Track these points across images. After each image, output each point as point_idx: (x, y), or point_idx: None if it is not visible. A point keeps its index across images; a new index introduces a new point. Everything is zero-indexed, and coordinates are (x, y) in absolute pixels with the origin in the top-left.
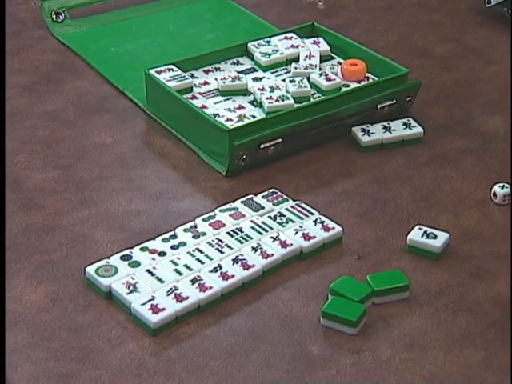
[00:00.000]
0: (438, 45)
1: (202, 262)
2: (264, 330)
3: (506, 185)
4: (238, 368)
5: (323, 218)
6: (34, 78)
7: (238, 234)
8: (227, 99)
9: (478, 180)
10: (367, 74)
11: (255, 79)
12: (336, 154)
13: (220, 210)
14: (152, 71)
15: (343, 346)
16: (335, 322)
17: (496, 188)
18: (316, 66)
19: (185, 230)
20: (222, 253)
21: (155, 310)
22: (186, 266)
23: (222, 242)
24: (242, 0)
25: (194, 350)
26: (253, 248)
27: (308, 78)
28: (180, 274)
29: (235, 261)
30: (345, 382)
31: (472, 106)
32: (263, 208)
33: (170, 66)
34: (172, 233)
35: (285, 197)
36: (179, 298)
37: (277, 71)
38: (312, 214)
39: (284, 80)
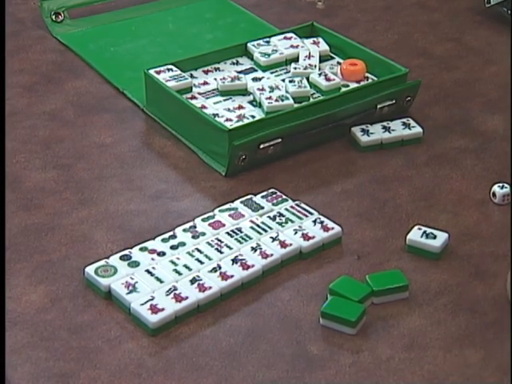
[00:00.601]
0: (438, 45)
1: (202, 262)
2: (263, 330)
3: (506, 185)
4: (238, 368)
5: (323, 218)
6: (34, 78)
7: (237, 234)
8: (227, 99)
9: (478, 180)
10: (367, 74)
11: (255, 79)
12: (335, 154)
13: (219, 210)
14: (151, 71)
15: (342, 346)
16: (334, 321)
17: (495, 188)
18: (315, 66)
19: (184, 230)
20: (221, 253)
21: (154, 310)
22: (186, 266)
23: (222, 242)
24: (242, 0)
25: (194, 349)
26: (252, 248)
27: (307, 78)
28: (179, 274)
29: (235, 261)
30: (344, 382)
31: (472, 106)
32: (263, 208)
33: (170, 66)
34: (171, 233)
35: (284, 197)
36: (178, 298)
37: (276, 71)
38: (311, 214)
39: (283, 80)
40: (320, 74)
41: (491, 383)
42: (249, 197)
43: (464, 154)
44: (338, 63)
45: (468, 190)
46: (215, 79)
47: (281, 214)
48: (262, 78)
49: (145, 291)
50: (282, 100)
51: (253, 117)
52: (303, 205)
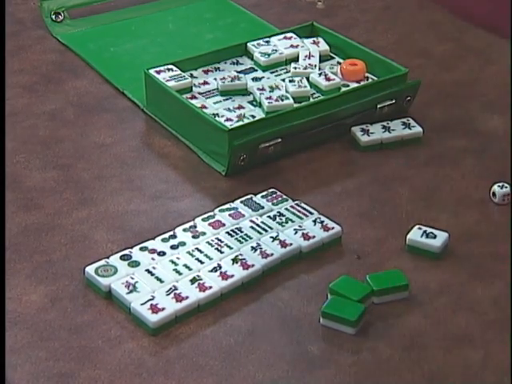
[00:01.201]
0: (438, 45)
1: (202, 262)
2: (263, 330)
3: (506, 184)
4: (238, 368)
5: (323, 218)
6: (34, 78)
7: (237, 233)
8: (227, 99)
9: (478, 180)
10: (367, 74)
11: (255, 79)
12: (335, 154)
13: (219, 210)
14: (151, 71)
15: (343, 346)
16: (335, 321)
17: (495, 188)
18: (315, 65)
19: (184, 230)
20: (221, 252)
21: (155, 309)
22: (186, 266)
23: (222, 241)
24: (242, 0)
25: (194, 349)
26: (252, 248)
27: (307, 78)
28: (179, 273)
29: (235, 260)
30: (345, 382)
31: (472, 106)
32: (263, 208)
33: (170, 66)
34: (171, 233)
35: (284, 196)
36: (179, 298)
37: (276, 71)
38: (311, 213)
39: (283, 80)
40: (320, 74)
41: (491, 383)
42: (249, 196)
43: (464, 154)
44: (338, 63)
45: (468, 189)
46: (215, 79)
47: (281, 214)
48: (262, 77)
49: (145, 291)
50: (282, 100)
51: (253, 117)
52: (303, 204)
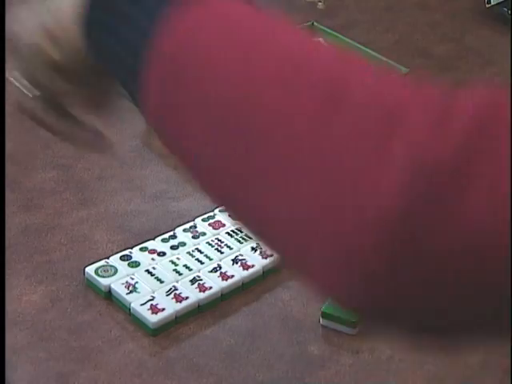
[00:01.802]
0: (438, 45)
1: (202, 262)
2: (264, 330)
3: None
4: (238, 368)
5: None
6: None
7: (237, 234)
8: None
9: None
10: None
11: None
12: None
13: (220, 210)
14: None
15: (343, 346)
16: (335, 321)
17: None
18: None
19: (184, 230)
20: (221, 253)
21: (155, 310)
22: (186, 266)
23: (222, 242)
24: None
25: (194, 350)
26: (252, 248)
27: None
28: (180, 274)
29: (235, 261)
30: (345, 382)
31: None
32: None
33: None
34: (172, 233)
35: None
36: (179, 298)
37: None
38: None
39: None
40: None
41: (491, 383)
42: None
43: None
44: None
45: None
46: None
47: None
48: None
49: (145, 291)
50: None
51: None
52: None
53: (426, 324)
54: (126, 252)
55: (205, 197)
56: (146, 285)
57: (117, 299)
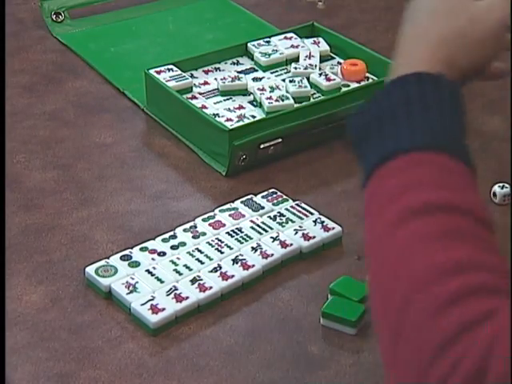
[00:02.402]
0: None
1: (202, 262)
2: (264, 330)
3: (506, 185)
4: (238, 368)
5: (323, 218)
6: (34, 78)
7: (237, 234)
8: (227, 99)
9: (478, 180)
10: (367, 74)
11: (255, 79)
12: (336, 154)
13: (220, 210)
14: (152, 71)
15: (343, 346)
16: (335, 321)
17: (496, 188)
18: (316, 66)
19: (184, 230)
20: (221, 253)
21: (155, 310)
22: (186, 266)
23: (222, 242)
24: (242, 0)
25: (194, 349)
26: (252, 248)
27: (308, 78)
28: (180, 274)
29: (235, 261)
30: (345, 382)
31: (472, 106)
32: (263, 208)
33: (170, 66)
34: (172, 233)
35: (284, 197)
36: (179, 298)
37: (277, 71)
38: (312, 213)
39: (284, 80)
40: (320, 74)
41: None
42: (249, 197)
43: None
44: (339, 63)
45: None
46: (215, 79)
47: (281, 214)
48: (263, 77)
49: (145, 291)
50: (283, 100)
51: (253, 117)
52: (303, 205)
53: None
54: (126, 252)
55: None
56: (146, 285)
57: (117, 299)
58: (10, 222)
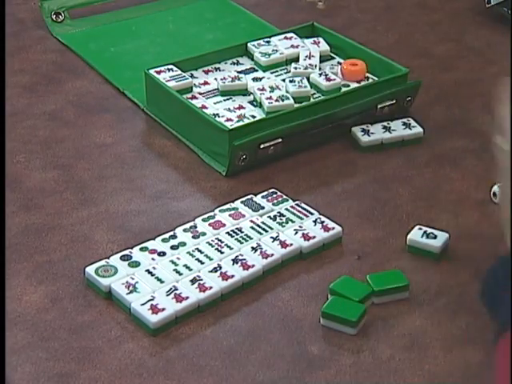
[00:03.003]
0: (438, 45)
1: (202, 262)
2: (264, 330)
3: None
4: (238, 368)
5: (323, 218)
6: (34, 78)
7: (237, 234)
8: (227, 99)
9: (478, 180)
10: (367, 74)
11: (255, 79)
12: (336, 154)
13: (220, 210)
14: (152, 71)
15: (343, 346)
16: (335, 321)
17: (496, 188)
18: (316, 66)
19: (184, 230)
20: (221, 253)
21: (155, 310)
22: (186, 266)
23: (222, 242)
24: (242, 0)
25: (194, 350)
26: (252, 248)
27: (308, 78)
28: (180, 274)
29: (235, 261)
30: (345, 382)
31: (472, 106)
32: (263, 208)
33: (170, 66)
34: (172, 233)
35: (284, 197)
36: (179, 298)
37: (277, 71)
38: (312, 214)
39: (284, 80)
40: (320, 74)
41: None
42: (249, 197)
43: (464, 154)
44: (339, 63)
45: (468, 190)
46: (215, 79)
47: (281, 214)
48: (263, 77)
49: (145, 291)
50: (283, 100)
51: (253, 117)
52: (303, 205)
53: None
54: (126, 252)
55: (205, 197)
56: (146, 285)
57: (117, 299)
58: (10, 222)
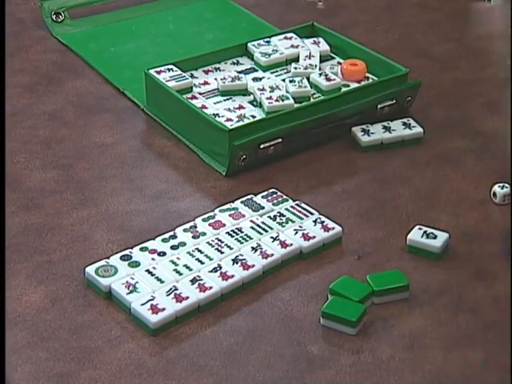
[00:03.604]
0: (438, 45)
1: (202, 262)
2: (264, 330)
3: (506, 185)
4: (238, 368)
5: (323, 218)
6: (34, 78)
7: (237, 234)
8: (227, 99)
9: (478, 180)
10: (367, 74)
11: (255, 79)
12: (336, 154)
13: (220, 210)
14: (152, 71)
15: (343, 346)
16: (335, 321)
17: (496, 188)
18: (316, 66)
19: (184, 230)
20: (221, 253)
21: (155, 310)
22: (186, 266)
23: (222, 242)
24: (242, 0)
25: (194, 350)
26: (253, 248)
27: (308, 78)
28: (180, 274)
29: (235, 261)
30: (345, 382)
31: (472, 106)
32: (263, 208)
33: (170, 66)
34: (172, 233)
35: (284, 197)
36: (179, 298)
37: (277, 71)
38: (312, 214)
39: (284, 80)
40: (320, 74)
41: (491, 383)
42: (249, 197)
43: (464, 154)
44: (339, 63)
45: (468, 190)
46: (215, 79)
47: (281, 214)
48: (263, 77)
49: (145, 291)
50: (283, 100)
51: (253, 117)
52: (303, 205)
53: None
54: (126, 252)
55: (205, 197)
56: (146, 285)
57: (117, 299)
58: (10, 222)
